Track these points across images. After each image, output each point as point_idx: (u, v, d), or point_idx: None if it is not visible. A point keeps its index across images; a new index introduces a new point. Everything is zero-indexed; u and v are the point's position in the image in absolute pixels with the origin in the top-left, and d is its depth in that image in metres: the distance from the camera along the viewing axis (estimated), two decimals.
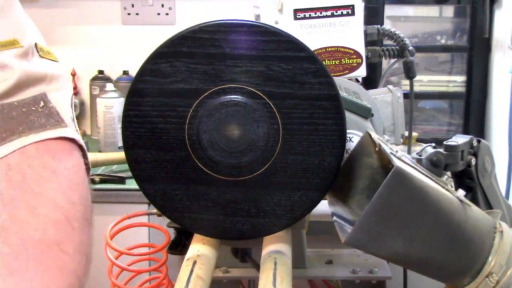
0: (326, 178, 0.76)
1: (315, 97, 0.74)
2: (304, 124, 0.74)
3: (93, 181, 1.65)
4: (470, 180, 0.81)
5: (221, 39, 0.73)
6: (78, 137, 0.64)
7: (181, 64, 0.74)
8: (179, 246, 1.10)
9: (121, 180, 1.66)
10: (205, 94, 0.73)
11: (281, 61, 0.73)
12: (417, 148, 0.84)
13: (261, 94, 0.73)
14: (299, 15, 0.99)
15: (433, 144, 0.78)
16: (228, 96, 0.73)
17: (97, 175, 1.67)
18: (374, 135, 0.75)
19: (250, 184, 0.75)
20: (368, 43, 1.04)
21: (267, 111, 0.74)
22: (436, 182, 0.68)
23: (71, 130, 0.63)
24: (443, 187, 0.68)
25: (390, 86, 1.02)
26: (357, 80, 1.03)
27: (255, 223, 0.77)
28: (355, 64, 1.01)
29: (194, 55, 0.73)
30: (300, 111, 0.74)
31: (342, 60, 1.00)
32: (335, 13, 0.99)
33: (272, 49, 0.73)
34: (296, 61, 0.73)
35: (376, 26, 1.07)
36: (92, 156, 1.72)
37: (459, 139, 0.79)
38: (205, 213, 0.77)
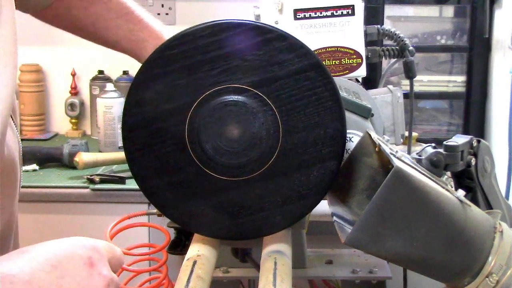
0: (336, 144, 0.75)
1: (297, 71, 0.74)
2: (296, 100, 0.74)
3: (93, 181, 1.65)
4: (470, 180, 0.81)
5: (190, 49, 0.73)
6: None
7: (161, 86, 0.73)
8: (179, 246, 1.10)
9: (121, 180, 1.66)
10: (194, 105, 0.73)
11: (252, 49, 0.73)
12: (417, 148, 0.84)
13: (246, 87, 0.73)
14: (299, 15, 0.99)
15: (433, 144, 0.78)
16: (217, 99, 0.73)
17: (97, 175, 1.67)
18: (374, 135, 0.75)
19: (267, 174, 0.75)
20: (368, 43, 1.04)
21: (258, 101, 0.73)
22: (436, 182, 0.68)
23: None
24: (443, 187, 0.68)
25: (390, 86, 1.02)
26: (357, 80, 1.03)
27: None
28: (355, 64, 1.01)
29: (170, 73, 0.73)
30: (289, 89, 0.74)
31: (342, 60, 1.00)
32: (335, 13, 0.99)
33: (239, 41, 0.73)
34: (266, 44, 0.73)
35: (376, 26, 1.07)
36: (92, 156, 1.72)
37: (459, 139, 0.79)
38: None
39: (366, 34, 1.04)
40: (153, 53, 0.74)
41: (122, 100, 1.90)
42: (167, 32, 0.96)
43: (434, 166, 0.75)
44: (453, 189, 0.74)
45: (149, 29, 0.96)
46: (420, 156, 0.76)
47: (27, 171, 1.75)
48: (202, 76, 0.73)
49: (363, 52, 1.01)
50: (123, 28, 0.96)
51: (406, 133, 1.05)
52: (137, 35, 0.96)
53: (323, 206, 0.79)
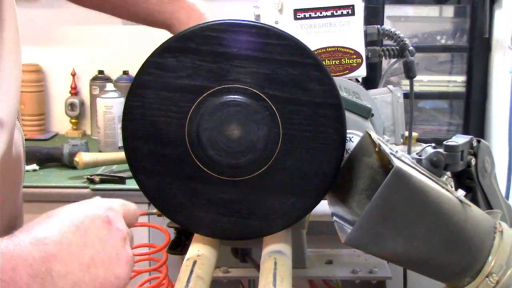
0: (322, 186, 0.76)
1: (318, 104, 0.74)
2: (305, 130, 0.74)
3: (93, 181, 1.65)
4: (470, 180, 0.81)
5: (229, 38, 0.73)
6: None
7: (188, 60, 0.73)
8: (179, 246, 1.10)
9: (121, 180, 1.66)
10: (209, 92, 0.73)
11: (287, 65, 0.73)
12: (417, 148, 0.84)
13: (264, 97, 0.73)
14: (299, 15, 0.99)
15: (433, 144, 0.78)
16: (231, 96, 0.73)
17: (97, 175, 1.67)
18: (374, 135, 0.75)
19: (247, 184, 0.75)
20: (368, 43, 1.04)
21: (269, 114, 0.73)
22: (436, 182, 0.68)
23: None
24: (443, 187, 0.68)
25: (390, 86, 1.02)
26: (357, 80, 1.03)
27: (251, 224, 0.77)
28: (355, 64, 1.01)
29: (201, 52, 0.73)
30: (302, 117, 0.74)
31: (342, 60, 1.00)
32: (335, 13, 0.99)
33: (279, 52, 0.73)
34: (302, 67, 0.73)
35: (376, 26, 1.07)
36: (92, 156, 1.72)
37: (459, 139, 0.79)
38: (200, 212, 0.77)
39: (366, 34, 1.03)
40: (193, 27, 0.74)
41: (122, 100, 1.90)
42: (199, 3, 0.97)
43: (434, 166, 0.75)
44: (453, 189, 0.74)
45: (179, 1, 0.97)
46: (420, 156, 0.76)
47: (27, 171, 1.75)
48: (229, 68, 0.73)
49: (363, 52, 1.01)
50: (153, 2, 0.97)
51: (406, 133, 1.05)
52: (167, 8, 0.97)
53: (323, 206, 0.79)
